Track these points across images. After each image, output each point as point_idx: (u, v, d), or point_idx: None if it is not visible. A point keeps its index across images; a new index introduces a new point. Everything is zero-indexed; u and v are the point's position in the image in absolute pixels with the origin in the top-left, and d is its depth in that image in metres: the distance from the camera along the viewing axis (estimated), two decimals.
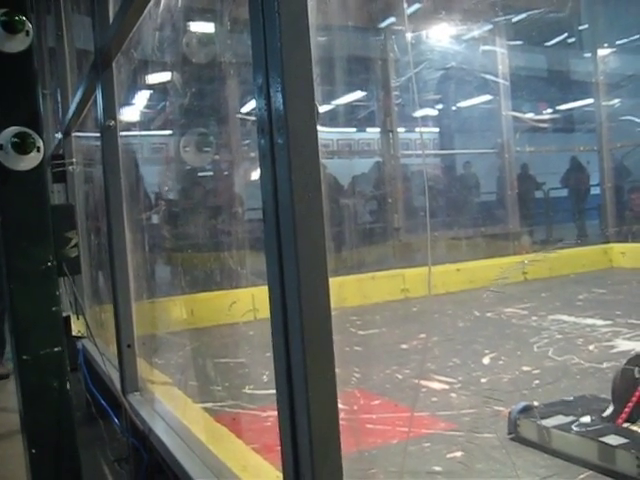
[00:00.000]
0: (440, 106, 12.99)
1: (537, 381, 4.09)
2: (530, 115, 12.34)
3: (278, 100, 1.11)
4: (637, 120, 10.31)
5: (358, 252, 8.80)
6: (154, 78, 4.52)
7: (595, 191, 11.50)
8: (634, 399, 2.87)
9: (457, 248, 9.05)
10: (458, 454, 2.95)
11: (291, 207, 1.11)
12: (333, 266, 1.15)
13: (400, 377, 4.38)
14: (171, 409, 2.61)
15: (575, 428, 2.84)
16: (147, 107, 6.79)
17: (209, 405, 3.72)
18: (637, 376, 2.91)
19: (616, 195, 10.60)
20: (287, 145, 1.10)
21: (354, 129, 13.72)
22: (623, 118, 10.73)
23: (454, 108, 13.35)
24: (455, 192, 10.85)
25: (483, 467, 2.79)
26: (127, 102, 3.85)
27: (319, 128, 1.12)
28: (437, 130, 13.90)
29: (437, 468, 2.81)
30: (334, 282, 1.15)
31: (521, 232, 9.87)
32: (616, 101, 11.12)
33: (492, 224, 10.09)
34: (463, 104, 12.96)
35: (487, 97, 10.95)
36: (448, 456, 2.94)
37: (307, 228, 1.12)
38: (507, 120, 9.94)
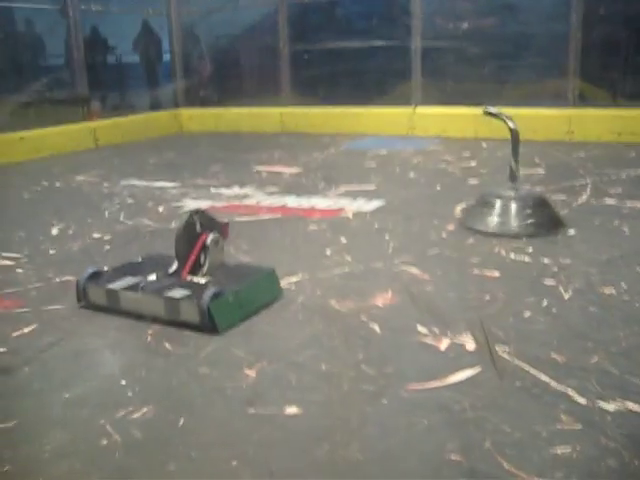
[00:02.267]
0: None
1: (108, 247, 4.06)
2: None
3: None
4: None
5: None
6: None
7: (166, 58, 11.58)
8: (195, 252, 3.02)
9: (21, 115, 8.33)
10: (25, 330, 2.78)
11: None
12: None
13: None
14: None
15: (142, 287, 2.89)
16: None
17: None
18: (198, 230, 3.05)
19: (184, 61, 10.80)
20: None
21: None
22: None
23: None
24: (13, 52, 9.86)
25: (52, 339, 2.68)
26: None
27: None
28: None
29: (1, 349, 2.62)
30: None
31: (91, 98, 9.49)
32: None
33: (59, 89, 9.49)
34: None
35: None
36: (15, 334, 2.75)
37: None
38: None
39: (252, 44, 10.60)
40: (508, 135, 4.06)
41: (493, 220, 4.03)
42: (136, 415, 2.08)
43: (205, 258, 3.04)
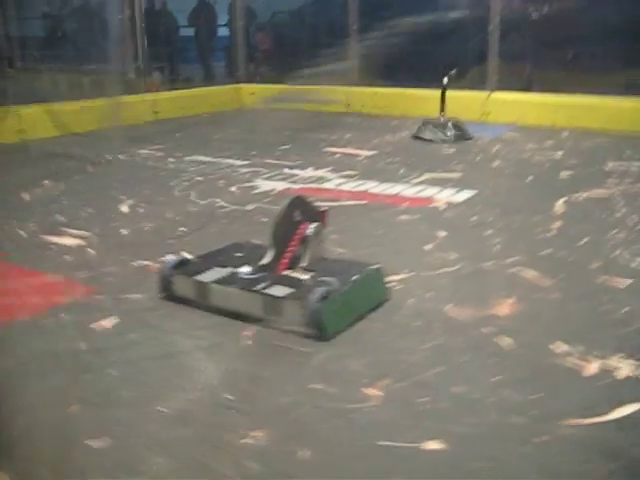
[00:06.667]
0: None
1: (183, 228, 3.75)
2: None
3: None
4: None
5: None
6: None
7: (223, 33, 11.26)
8: (294, 243, 2.68)
9: (82, 85, 8.08)
10: (106, 324, 2.48)
11: None
12: None
13: (23, 234, 3.66)
14: None
15: (235, 281, 2.56)
16: None
17: None
18: (297, 219, 2.71)
19: (244, 36, 10.46)
20: None
21: None
22: None
23: None
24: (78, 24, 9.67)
25: (136, 336, 2.38)
26: None
27: None
28: None
29: (82, 344, 2.31)
30: None
31: (151, 70, 9.23)
32: None
33: (119, 61, 9.22)
34: None
35: None
36: (94, 327, 2.45)
37: None
38: None
39: (317, 20, 10.21)
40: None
41: None
42: (248, 441, 1.76)
43: (304, 250, 2.70)
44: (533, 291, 2.80)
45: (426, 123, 6.79)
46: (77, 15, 10.24)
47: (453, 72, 6.49)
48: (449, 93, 7.99)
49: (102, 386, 2.05)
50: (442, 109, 6.75)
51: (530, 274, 2.99)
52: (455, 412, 1.89)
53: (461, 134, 6.73)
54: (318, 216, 2.79)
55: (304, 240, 2.69)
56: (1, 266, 3.16)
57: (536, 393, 1.99)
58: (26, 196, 4.49)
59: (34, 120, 6.84)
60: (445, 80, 6.69)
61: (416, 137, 6.76)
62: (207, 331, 2.43)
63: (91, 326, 2.46)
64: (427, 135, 6.69)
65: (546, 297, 2.75)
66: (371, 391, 2.00)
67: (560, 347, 2.28)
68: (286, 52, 10.67)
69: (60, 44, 9.29)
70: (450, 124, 6.74)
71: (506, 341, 2.33)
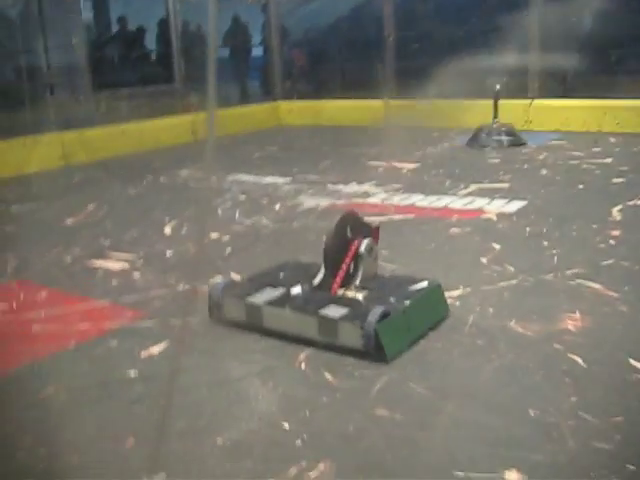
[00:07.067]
0: None
1: (229, 248, 3.67)
2: None
3: None
4: None
5: None
6: None
7: (257, 52, 11.29)
8: (347, 261, 2.57)
9: (118, 109, 8.13)
10: (155, 350, 2.40)
11: None
12: None
13: (69, 259, 3.62)
14: None
15: (288, 302, 2.46)
16: None
17: None
18: (349, 236, 2.60)
19: (279, 54, 10.45)
20: None
21: None
22: None
23: None
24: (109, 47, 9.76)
25: (187, 363, 2.28)
26: None
27: None
28: None
29: (132, 373, 2.23)
30: None
31: (188, 90, 9.25)
32: None
33: (158, 82, 9.29)
34: None
35: None
36: (143, 355, 2.37)
37: None
38: None
39: (351, 34, 10.15)
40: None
41: None
42: (313, 474, 1.64)
43: (357, 268, 2.59)
44: (600, 304, 2.65)
45: (480, 130, 6.88)
46: (116, 41, 10.36)
47: (504, 81, 6.76)
48: (486, 102, 7.89)
49: (155, 417, 1.95)
50: (495, 115, 6.86)
51: (594, 286, 2.84)
52: (531, 438, 1.76)
53: (515, 139, 6.81)
54: (370, 232, 2.68)
55: (357, 257, 2.59)
56: (48, 292, 3.10)
57: (618, 415, 1.84)
58: (70, 221, 4.48)
59: (76, 145, 6.88)
60: (497, 87, 6.87)
61: (471, 144, 6.83)
62: (260, 355, 2.33)
63: (140, 352, 2.38)
64: (482, 141, 6.77)
65: (614, 310, 2.60)
66: (439, 417, 1.87)
67: (638, 364, 2.13)
68: (322, 68, 10.62)
69: (100, 70, 9.37)
70: (504, 130, 6.82)
71: (578, 358, 2.19)
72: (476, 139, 6.85)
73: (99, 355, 2.38)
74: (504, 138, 6.77)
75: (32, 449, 1.80)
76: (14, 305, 2.94)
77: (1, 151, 6.37)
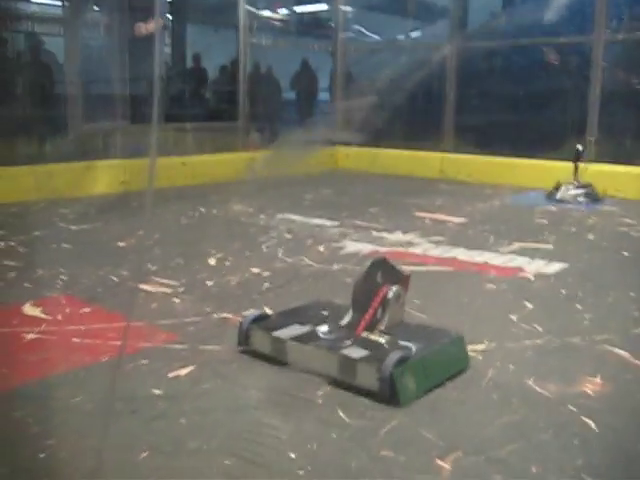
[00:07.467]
0: None
1: (267, 284, 3.79)
2: (266, 12, 11.85)
3: None
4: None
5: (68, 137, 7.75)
6: None
7: (324, 96, 11.58)
8: (375, 305, 2.66)
9: (182, 141, 8.44)
10: (182, 372, 2.51)
11: None
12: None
13: (115, 279, 3.80)
14: None
15: (313, 339, 2.55)
16: None
17: None
18: (379, 281, 2.69)
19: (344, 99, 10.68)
20: None
21: None
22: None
23: None
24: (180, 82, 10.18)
25: (210, 387, 2.39)
26: None
27: None
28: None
29: (156, 391, 2.35)
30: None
31: (250, 129, 9.54)
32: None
33: (220, 119, 9.62)
34: None
35: None
36: (170, 375, 2.49)
37: None
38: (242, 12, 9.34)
39: (414, 86, 10.32)
40: None
41: None
42: None
43: (384, 313, 2.67)
44: (623, 371, 2.66)
45: (561, 185, 7.30)
46: (189, 77, 10.78)
47: (591, 140, 7.24)
48: (541, 163, 7.95)
49: (172, 434, 2.06)
50: (575, 174, 7.28)
51: (620, 352, 2.84)
52: None
53: (593, 197, 7.21)
54: (400, 280, 2.76)
55: (384, 303, 2.67)
56: (91, 309, 3.27)
57: None
58: (122, 244, 4.68)
59: (137, 172, 7.16)
60: (579, 147, 7.24)
61: (550, 197, 7.24)
62: (280, 387, 2.41)
63: (167, 373, 2.49)
64: (561, 195, 7.21)
65: (637, 378, 2.60)
66: (442, 463, 1.92)
67: None
68: (385, 117, 10.79)
69: (171, 102, 9.73)
70: (582, 187, 7.27)
71: (592, 422, 2.20)
72: (555, 194, 7.23)
73: (129, 371, 2.50)
74: (582, 194, 7.18)
75: (53, 450, 1.92)
76: (59, 317, 3.11)
77: (68, 173, 6.71)
